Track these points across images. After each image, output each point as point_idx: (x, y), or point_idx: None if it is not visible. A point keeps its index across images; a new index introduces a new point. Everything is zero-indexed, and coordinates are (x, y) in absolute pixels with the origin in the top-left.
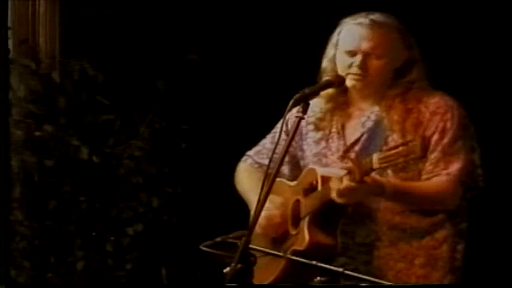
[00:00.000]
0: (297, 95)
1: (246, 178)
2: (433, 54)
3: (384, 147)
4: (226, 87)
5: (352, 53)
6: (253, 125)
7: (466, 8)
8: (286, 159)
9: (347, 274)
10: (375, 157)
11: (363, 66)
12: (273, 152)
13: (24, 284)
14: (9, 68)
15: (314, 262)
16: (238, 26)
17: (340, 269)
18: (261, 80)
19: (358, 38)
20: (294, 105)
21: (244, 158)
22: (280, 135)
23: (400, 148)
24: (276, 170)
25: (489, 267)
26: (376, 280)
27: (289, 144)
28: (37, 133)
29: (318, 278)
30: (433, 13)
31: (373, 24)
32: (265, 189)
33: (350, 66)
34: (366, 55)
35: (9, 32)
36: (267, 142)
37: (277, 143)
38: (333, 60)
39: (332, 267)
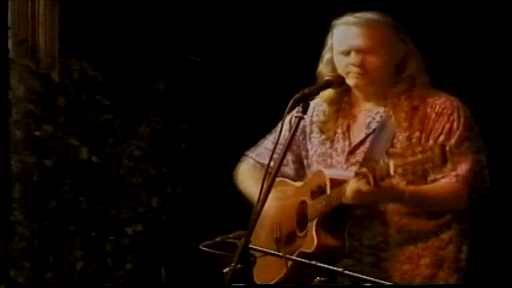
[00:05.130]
0: (297, 95)
1: (250, 179)
2: (434, 53)
3: (391, 150)
4: (226, 87)
5: (346, 52)
6: (253, 125)
7: (467, 7)
8: (291, 158)
9: (347, 274)
10: (392, 164)
11: (360, 64)
12: (273, 152)
13: (24, 284)
14: (9, 68)
15: (314, 262)
16: (238, 26)
17: (340, 269)
18: (261, 80)
19: (348, 37)
20: (293, 106)
21: (245, 159)
22: (279, 136)
23: (419, 156)
24: (276, 170)
25: (492, 268)
26: (376, 280)
27: (288, 145)
28: (36, 133)
29: (318, 278)
30: (433, 12)
31: (360, 21)
32: (264, 189)
33: (347, 65)
34: (360, 52)
35: (9, 32)
36: (268, 142)
37: (276, 143)
38: (330, 63)
39: (332, 267)
